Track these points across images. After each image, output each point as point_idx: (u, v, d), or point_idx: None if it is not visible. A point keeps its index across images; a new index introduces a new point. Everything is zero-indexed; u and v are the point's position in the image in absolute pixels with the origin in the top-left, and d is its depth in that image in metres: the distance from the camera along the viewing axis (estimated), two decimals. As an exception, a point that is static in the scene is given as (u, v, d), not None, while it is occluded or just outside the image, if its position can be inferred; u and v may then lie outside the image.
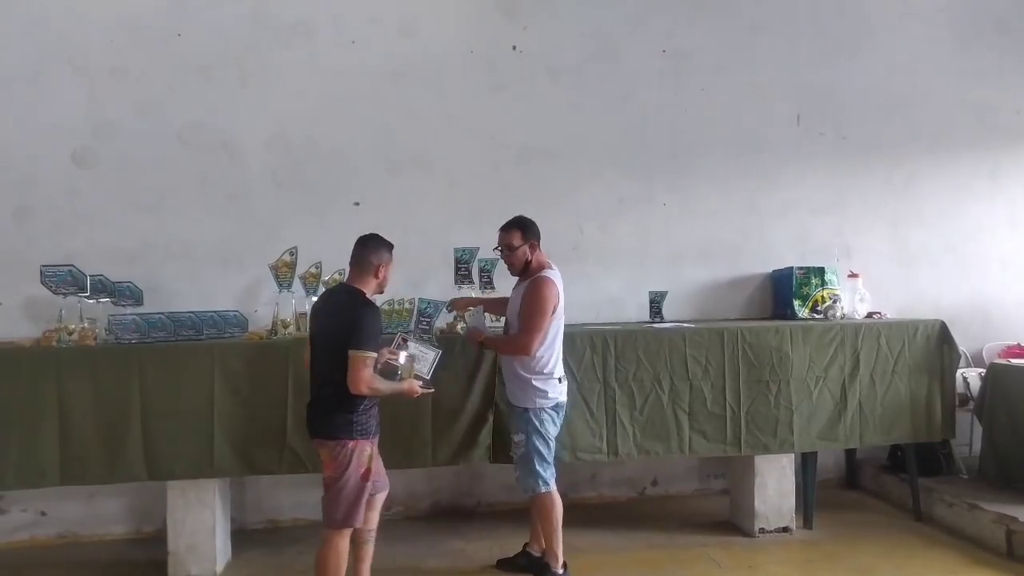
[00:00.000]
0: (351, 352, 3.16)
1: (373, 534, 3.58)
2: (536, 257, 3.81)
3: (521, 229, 3.78)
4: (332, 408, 3.26)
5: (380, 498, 3.59)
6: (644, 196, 5.38)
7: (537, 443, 3.71)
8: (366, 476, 3.29)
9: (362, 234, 3.49)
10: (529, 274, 3.79)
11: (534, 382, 3.70)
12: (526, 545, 4.07)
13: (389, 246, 3.47)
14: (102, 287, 4.20)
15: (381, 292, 3.51)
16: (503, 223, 3.86)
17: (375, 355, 3.24)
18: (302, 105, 4.96)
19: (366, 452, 3.29)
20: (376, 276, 3.39)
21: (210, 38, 4.85)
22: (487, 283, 4.65)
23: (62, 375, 3.83)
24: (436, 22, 5.14)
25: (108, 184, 4.73)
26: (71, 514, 4.63)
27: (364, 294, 3.36)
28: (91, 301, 4.19)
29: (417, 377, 3.55)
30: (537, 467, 3.71)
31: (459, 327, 4.32)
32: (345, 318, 3.23)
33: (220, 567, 4.14)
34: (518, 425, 3.77)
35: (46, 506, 4.60)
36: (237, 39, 4.89)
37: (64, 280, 4.03)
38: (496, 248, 3.87)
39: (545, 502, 3.74)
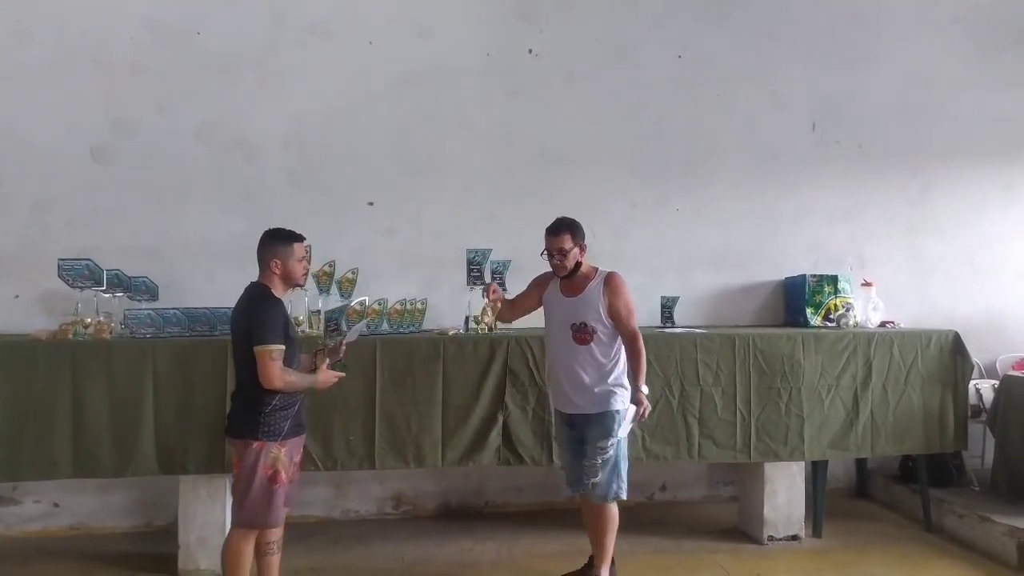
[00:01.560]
0: (255, 348, 3.12)
1: (274, 546, 3.36)
2: (583, 258, 3.70)
3: (571, 232, 3.63)
4: (240, 407, 3.24)
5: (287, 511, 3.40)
6: (658, 201, 5.39)
7: (624, 446, 3.63)
8: (275, 479, 3.18)
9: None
10: (580, 275, 3.67)
11: (622, 380, 3.64)
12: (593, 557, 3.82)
13: (287, 239, 3.34)
14: (118, 282, 4.25)
15: (293, 285, 3.40)
16: (548, 226, 3.69)
17: (281, 347, 3.15)
18: (318, 105, 5.00)
19: (272, 454, 3.18)
20: (275, 271, 3.31)
21: (229, 38, 4.90)
22: (499, 285, 4.66)
23: (77, 368, 3.87)
24: (453, 25, 5.17)
25: (126, 180, 4.78)
26: (83, 506, 4.67)
27: (267, 288, 3.30)
28: (107, 295, 4.23)
29: (333, 354, 3.41)
30: (624, 471, 3.61)
31: (486, 313, 4.09)
32: (243, 316, 3.24)
33: (230, 562, 4.16)
34: (606, 429, 3.56)
35: (59, 498, 4.64)
36: (256, 39, 4.94)
37: (81, 274, 4.07)
38: (543, 253, 3.69)
39: (615, 509, 3.64)
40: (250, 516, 3.22)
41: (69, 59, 4.75)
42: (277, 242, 3.33)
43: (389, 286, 4.73)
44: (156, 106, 4.82)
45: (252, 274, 4.76)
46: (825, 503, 4.68)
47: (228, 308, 4.28)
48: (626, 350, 3.65)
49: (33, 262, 4.56)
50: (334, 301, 4.49)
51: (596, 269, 3.71)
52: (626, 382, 3.66)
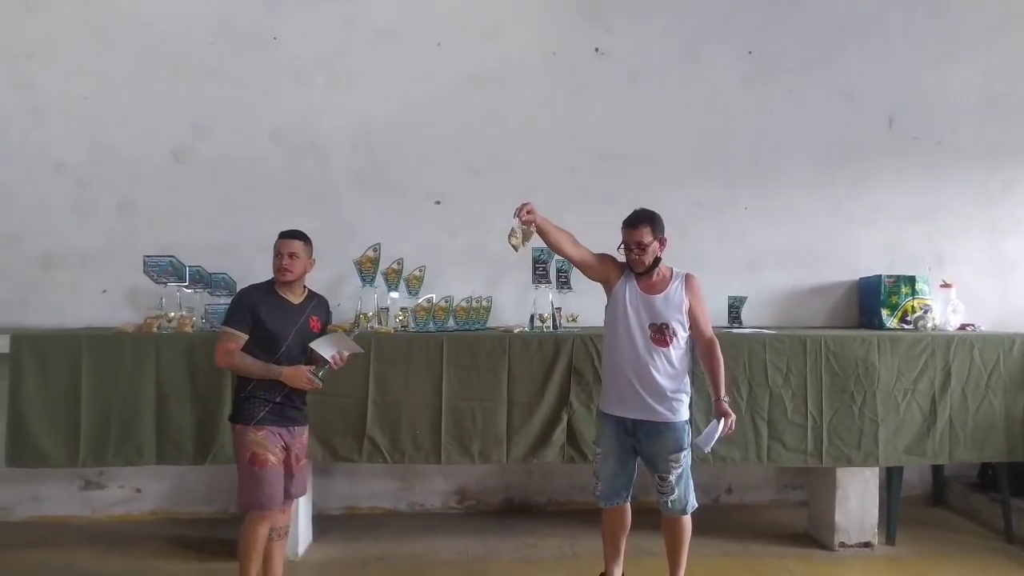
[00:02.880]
0: (221, 327, 3.39)
1: (274, 534, 3.48)
2: (663, 253, 3.51)
3: (651, 224, 3.43)
4: (233, 392, 3.45)
5: (286, 503, 3.49)
6: (724, 200, 5.31)
7: (690, 456, 3.52)
8: (254, 461, 3.30)
9: None
10: (657, 271, 3.50)
11: (688, 388, 3.52)
12: (604, 574, 3.75)
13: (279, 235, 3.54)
14: (199, 278, 4.43)
15: (280, 280, 3.49)
16: (625, 218, 3.50)
17: (231, 330, 3.33)
18: (387, 107, 5.10)
19: (248, 437, 3.32)
20: None
21: (302, 42, 5.04)
22: (564, 283, 4.68)
23: (161, 360, 4.06)
24: (519, 25, 5.21)
25: (205, 181, 4.97)
26: (164, 492, 4.89)
27: (270, 283, 3.51)
28: (189, 291, 4.42)
29: (319, 360, 3.42)
30: (694, 481, 3.52)
31: (512, 237, 3.42)
32: None
33: (302, 549, 4.31)
34: (680, 440, 3.43)
35: (141, 483, 4.88)
36: (328, 43, 5.07)
37: (165, 270, 4.27)
38: (620, 247, 3.51)
39: (689, 520, 3.53)
40: (243, 498, 3.36)
41: (151, 65, 4.97)
42: None
43: (454, 284, 4.80)
44: (233, 110, 5.00)
45: (321, 271, 4.91)
46: (899, 510, 4.54)
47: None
48: (704, 356, 3.54)
49: (119, 259, 4.80)
50: (404, 298, 4.59)
51: (671, 269, 3.57)
52: (689, 390, 3.56)
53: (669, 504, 3.49)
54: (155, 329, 4.21)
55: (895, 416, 4.35)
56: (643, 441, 3.48)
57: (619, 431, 3.53)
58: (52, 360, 4.05)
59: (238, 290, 3.52)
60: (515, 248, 3.39)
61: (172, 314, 4.28)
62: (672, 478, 3.45)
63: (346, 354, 3.50)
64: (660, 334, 3.43)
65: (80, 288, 4.88)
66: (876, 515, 4.45)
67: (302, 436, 3.53)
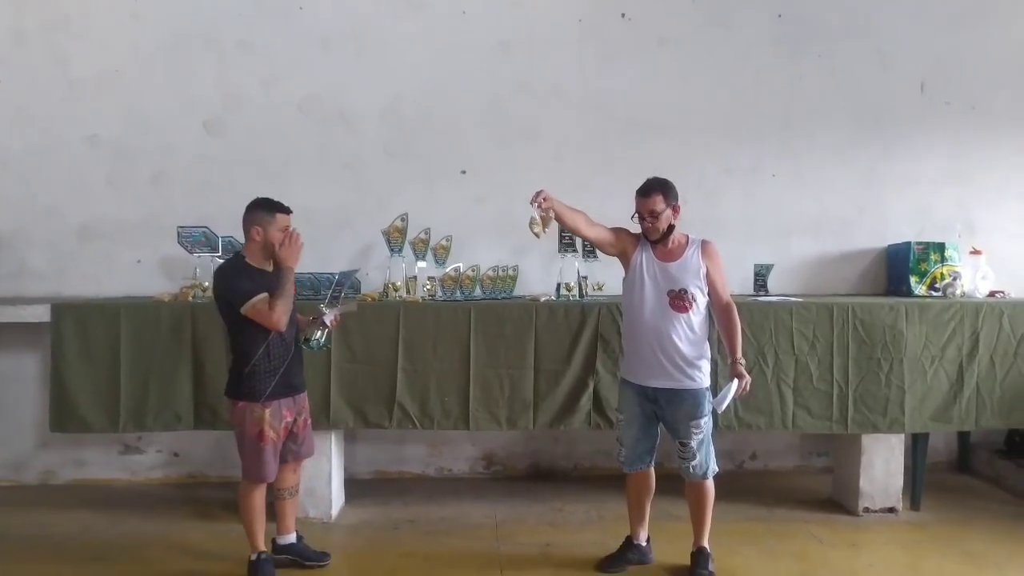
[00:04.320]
0: (244, 311, 3.28)
1: (286, 493, 3.68)
2: (677, 220, 3.53)
3: (663, 192, 3.46)
4: (230, 368, 3.50)
5: (295, 464, 3.68)
6: (753, 166, 5.27)
7: (711, 420, 3.58)
8: (260, 436, 3.38)
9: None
10: (672, 238, 3.53)
11: (708, 353, 3.56)
12: (630, 538, 3.83)
13: (270, 208, 3.40)
14: (232, 248, 4.50)
15: (276, 255, 3.41)
16: (638, 187, 3.54)
17: (257, 298, 3.26)
18: (414, 77, 5.10)
19: (255, 414, 3.37)
20: (256, 238, 3.40)
21: (329, 12, 5.04)
22: (590, 252, 4.70)
23: (197, 328, 4.16)
24: (545, -9, 5.16)
25: (236, 152, 5.02)
26: (200, 456, 5.04)
27: (240, 259, 3.44)
28: (222, 260, 4.50)
29: (314, 324, 3.51)
30: (716, 447, 3.61)
31: (534, 225, 3.44)
32: (216, 290, 3.43)
33: (335, 511, 4.43)
34: (701, 407, 3.48)
35: (178, 448, 5.03)
36: (355, 12, 5.06)
37: (198, 240, 4.36)
38: (634, 216, 3.55)
39: (712, 483, 3.60)
40: (246, 469, 3.46)
41: (181, 37, 5.00)
42: (260, 210, 3.41)
43: (481, 253, 4.84)
44: (262, 81, 5.03)
45: (351, 240, 5.05)
46: (925, 476, 4.56)
47: (330, 273, 4.53)
48: (720, 321, 3.58)
49: (153, 230, 4.89)
50: (431, 268, 4.65)
51: (687, 236, 3.60)
52: (709, 356, 3.60)
53: (691, 469, 3.55)
54: (190, 298, 4.32)
55: (922, 383, 4.35)
56: (664, 408, 3.53)
57: (640, 397, 3.58)
58: (92, 328, 4.17)
59: (230, 279, 3.37)
60: (537, 236, 3.45)
61: (206, 283, 4.37)
62: (693, 444, 3.50)
63: (339, 315, 3.59)
64: (680, 300, 3.46)
65: (115, 258, 4.99)
66: (901, 481, 4.48)
67: (304, 399, 3.64)
